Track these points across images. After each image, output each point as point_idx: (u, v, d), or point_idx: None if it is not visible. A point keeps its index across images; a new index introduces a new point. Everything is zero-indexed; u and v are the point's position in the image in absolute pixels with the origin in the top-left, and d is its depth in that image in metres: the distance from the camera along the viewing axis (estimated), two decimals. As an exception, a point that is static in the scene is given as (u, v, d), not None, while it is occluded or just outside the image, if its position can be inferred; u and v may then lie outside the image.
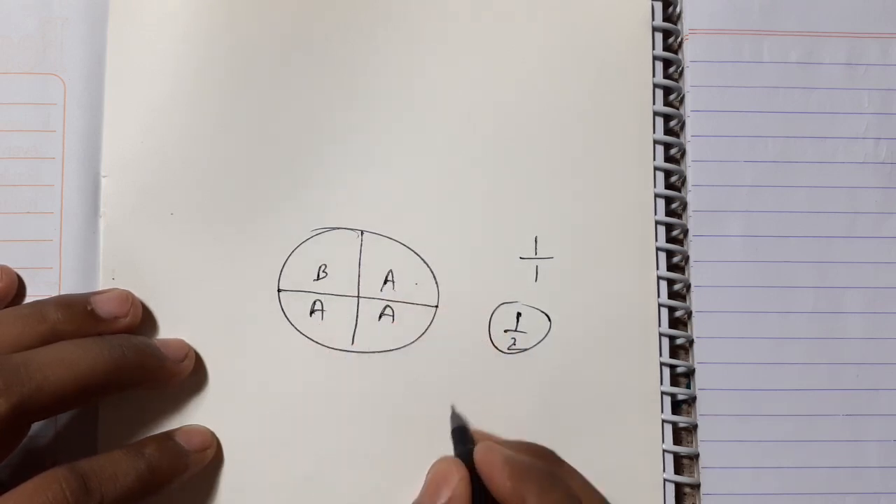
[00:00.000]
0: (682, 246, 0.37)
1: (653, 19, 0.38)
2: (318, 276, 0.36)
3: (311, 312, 0.36)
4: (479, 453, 0.31)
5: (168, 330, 0.36)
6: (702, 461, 0.36)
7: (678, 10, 0.39)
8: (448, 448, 0.34)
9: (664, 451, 0.36)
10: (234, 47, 0.37)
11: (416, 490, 0.33)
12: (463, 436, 0.33)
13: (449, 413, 0.35)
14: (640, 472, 0.35)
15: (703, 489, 0.36)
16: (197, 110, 0.37)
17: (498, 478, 0.29)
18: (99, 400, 0.35)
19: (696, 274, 0.37)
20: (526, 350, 0.36)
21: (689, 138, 0.38)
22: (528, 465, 0.30)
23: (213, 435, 0.35)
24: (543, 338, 0.36)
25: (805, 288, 0.37)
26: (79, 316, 0.33)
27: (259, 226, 0.36)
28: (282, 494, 0.35)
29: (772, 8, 0.38)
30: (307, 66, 0.37)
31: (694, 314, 0.37)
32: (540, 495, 0.29)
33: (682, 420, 0.36)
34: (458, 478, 0.30)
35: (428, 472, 0.33)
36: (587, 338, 0.36)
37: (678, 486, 0.36)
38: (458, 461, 0.31)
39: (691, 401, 0.36)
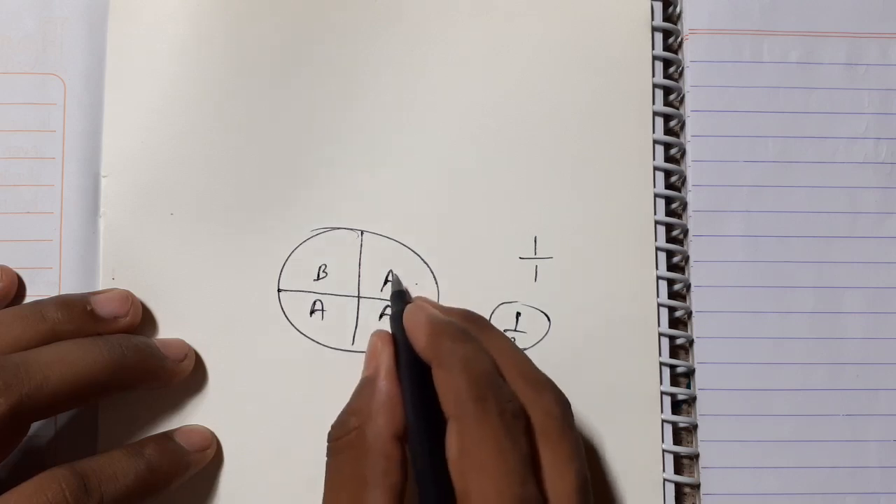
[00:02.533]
0: (682, 246, 0.37)
1: (653, 19, 0.38)
2: (318, 276, 0.36)
3: (311, 312, 0.36)
4: (406, 313, 0.32)
5: (168, 330, 0.36)
6: (702, 461, 0.36)
7: (678, 10, 0.39)
8: None
9: (664, 451, 0.36)
10: (234, 47, 0.37)
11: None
12: (400, 298, 0.34)
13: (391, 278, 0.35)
14: (640, 472, 0.35)
15: (703, 489, 0.36)
16: (197, 110, 0.37)
17: (418, 335, 0.31)
18: (99, 400, 0.35)
19: (696, 274, 0.37)
20: (526, 350, 0.36)
21: (689, 138, 0.38)
22: (445, 322, 0.31)
23: (213, 435, 0.35)
24: (543, 338, 0.36)
25: (805, 288, 0.37)
26: (79, 316, 0.33)
27: (259, 226, 0.36)
28: (282, 494, 0.35)
29: (772, 8, 0.38)
30: (307, 66, 0.37)
31: (694, 314, 0.37)
32: (451, 348, 0.29)
33: (682, 420, 0.36)
34: (384, 348, 0.31)
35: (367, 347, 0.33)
36: (587, 338, 0.36)
37: (678, 486, 0.36)
38: (385, 334, 0.32)
39: (691, 401, 0.36)
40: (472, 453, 0.27)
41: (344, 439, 0.30)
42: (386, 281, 0.36)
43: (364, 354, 0.33)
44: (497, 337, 0.32)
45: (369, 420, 0.29)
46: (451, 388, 0.29)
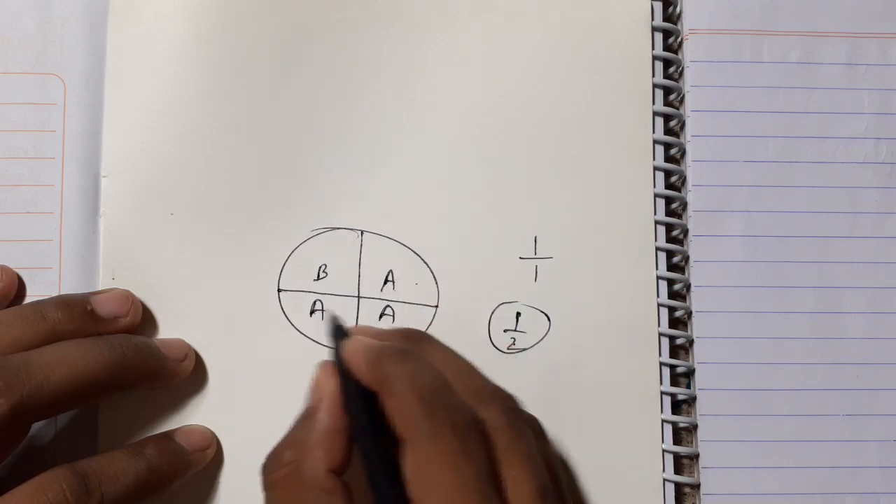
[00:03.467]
0: (682, 246, 0.37)
1: (653, 19, 0.38)
2: (318, 276, 0.36)
3: (311, 312, 0.36)
4: (344, 349, 0.31)
5: (168, 330, 0.36)
6: (702, 461, 0.36)
7: (678, 10, 0.39)
8: None
9: (664, 451, 0.36)
10: (234, 47, 0.37)
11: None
12: (339, 335, 0.33)
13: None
14: (640, 472, 0.35)
15: (703, 489, 0.36)
16: (197, 110, 0.37)
17: (358, 366, 0.30)
18: (99, 400, 0.35)
19: (696, 274, 0.37)
20: (525, 350, 0.36)
21: (689, 138, 0.38)
22: (382, 346, 0.30)
23: (213, 435, 0.35)
24: (543, 338, 0.36)
25: (805, 288, 0.37)
26: (79, 316, 0.33)
27: (259, 226, 0.36)
28: (282, 494, 0.35)
29: (772, 8, 0.38)
30: (307, 66, 0.37)
31: (694, 314, 0.37)
32: (392, 370, 0.29)
33: (682, 420, 0.36)
34: (328, 379, 0.30)
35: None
36: (587, 338, 0.36)
37: (678, 486, 0.36)
38: (328, 362, 0.31)
39: (691, 401, 0.36)
40: (428, 473, 0.27)
41: (280, 473, 0.29)
42: (386, 282, 0.36)
43: None
44: (440, 349, 0.32)
45: (306, 454, 0.28)
46: (400, 410, 0.28)
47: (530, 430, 0.30)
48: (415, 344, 0.31)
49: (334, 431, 0.29)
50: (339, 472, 0.28)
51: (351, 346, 0.30)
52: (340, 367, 0.31)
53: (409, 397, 0.28)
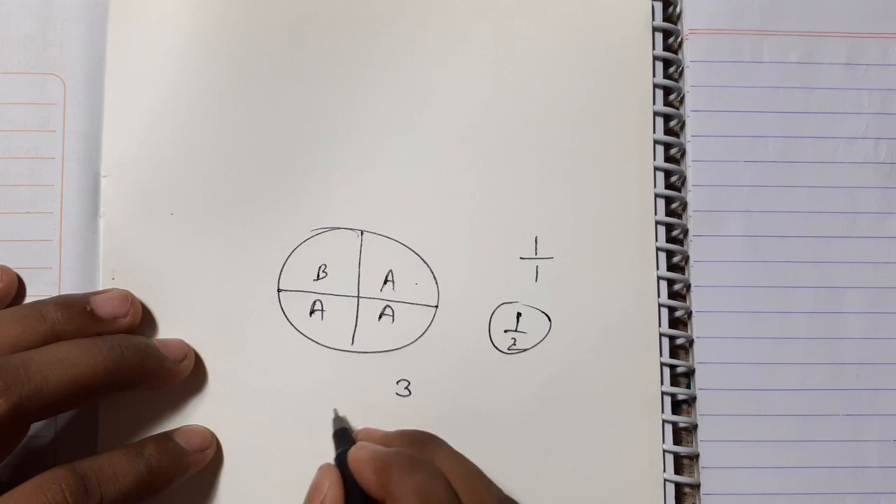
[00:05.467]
0: (682, 246, 0.37)
1: (653, 19, 0.38)
2: (318, 276, 0.36)
3: (311, 312, 0.36)
4: (350, 455, 0.31)
5: (168, 330, 0.36)
6: (702, 461, 0.36)
7: (678, 10, 0.39)
8: None
9: (664, 451, 0.36)
10: (234, 47, 0.37)
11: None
12: (343, 438, 0.33)
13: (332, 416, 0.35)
14: (640, 472, 0.35)
15: (703, 489, 0.36)
16: (197, 110, 0.37)
17: (364, 474, 0.30)
18: (99, 400, 0.35)
19: (696, 274, 0.37)
20: (526, 350, 0.36)
21: (689, 138, 0.38)
22: (390, 454, 0.30)
23: (212, 435, 0.35)
24: (543, 338, 0.36)
25: (805, 288, 0.37)
26: (78, 316, 0.33)
27: (259, 226, 0.36)
28: (282, 494, 0.35)
29: (772, 8, 0.38)
30: (307, 66, 0.37)
31: (694, 314, 0.37)
32: (401, 481, 0.29)
33: (682, 420, 0.36)
34: (328, 483, 0.31)
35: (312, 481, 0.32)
36: (587, 338, 0.36)
37: (678, 486, 0.36)
38: (331, 466, 0.32)
39: (691, 401, 0.36)
40: None
41: None
42: (385, 282, 0.36)
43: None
44: (448, 454, 0.32)
45: None
46: None
47: None
48: (422, 448, 0.31)
49: None
50: None
51: (356, 455, 0.30)
52: (343, 472, 0.31)
53: None
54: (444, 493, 0.29)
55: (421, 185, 0.37)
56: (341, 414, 0.35)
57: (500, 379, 0.36)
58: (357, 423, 0.35)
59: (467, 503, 0.29)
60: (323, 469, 0.32)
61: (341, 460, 0.32)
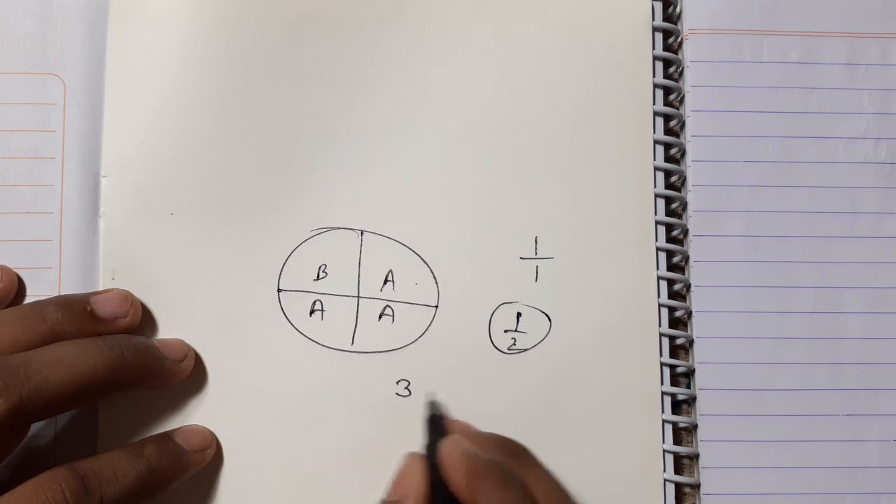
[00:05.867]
0: (682, 246, 0.37)
1: (653, 19, 0.38)
2: (318, 276, 0.36)
3: (311, 312, 0.36)
4: (442, 448, 0.30)
5: (168, 330, 0.36)
6: (702, 461, 0.36)
7: (678, 10, 0.39)
8: None
9: (664, 451, 0.36)
10: (234, 47, 0.37)
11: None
12: (436, 426, 0.32)
13: (426, 400, 0.33)
14: (640, 472, 0.35)
15: (703, 489, 0.36)
16: (197, 110, 0.37)
17: (454, 474, 0.29)
18: (99, 400, 0.35)
19: (696, 274, 0.37)
20: (526, 350, 0.36)
21: (689, 138, 0.38)
22: (484, 462, 0.29)
23: (212, 435, 0.35)
24: (543, 338, 0.36)
25: (805, 288, 0.37)
26: (78, 316, 0.33)
27: (259, 226, 0.36)
28: (282, 494, 0.35)
29: (772, 8, 0.38)
30: (307, 66, 0.37)
31: (694, 314, 0.37)
32: (492, 494, 0.28)
33: (682, 420, 0.36)
34: (417, 476, 0.30)
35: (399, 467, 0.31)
36: (587, 338, 0.36)
37: (678, 486, 0.36)
38: (419, 458, 0.31)
39: (691, 401, 0.36)
40: None
41: None
42: (386, 282, 0.36)
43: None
44: (537, 471, 0.31)
45: None
46: None
47: None
48: (516, 461, 0.31)
49: None
50: None
51: (449, 452, 0.29)
52: (431, 462, 0.30)
53: None
54: None
55: (421, 185, 0.37)
56: (437, 399, 0.33)
57: (500, 379, 0.36)
58: (357, 423, 0.35)
59: None
60: (410, 458, 0.31)
61: (431, 450, 0.30)
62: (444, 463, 0.29)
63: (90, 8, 0.37)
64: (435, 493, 0.29)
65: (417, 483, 0.29)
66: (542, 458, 0.35)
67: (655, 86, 0.38)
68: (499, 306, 0.36)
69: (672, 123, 0.38)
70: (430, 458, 0.30)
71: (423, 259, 0.36)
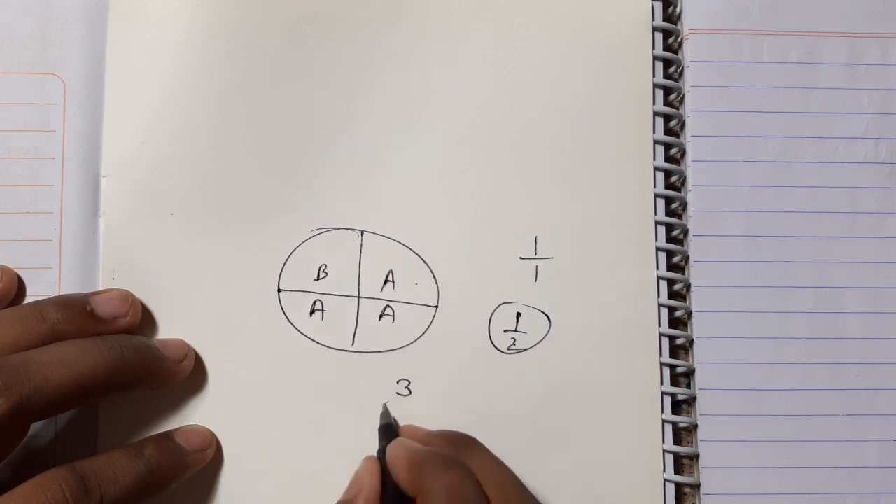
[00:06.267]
0: (682, 246, 0.37)
1: (653, 19, 0.38)
2: (318, 276, 0.36)
3: (311, 312, 0.36)
4: (388, 451, 0.32)
5: (168, 330, 0.36)
6: (702, 461, 0.36)
7: (678, 10, 0.39)
8: None
9: (664, 451, 0.36)
10: (234, 47, 0.37)
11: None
12: (387, 432, 0.34)
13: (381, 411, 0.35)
14: (640, 472, 0.35)
15: (703, 489, 0.36)
16: (197, 110, 0.37)
17: (399, 470, 0.31)
18: (99, 400, 0.35)
19: (696, 274, 0.37)
20: (526, 350, 0.36)
21: (689, 138, 0.38)
22: (424, 453, 0.31)
23: (212, 435, 0.35)
24: (543, 338, 0.36)
25: (805, 288, 0.37)
26: (78, 316, 0.33)
27: (259, 226, 0.36)
28: (282, 494, 0.35)
29: (772, 8, 0.38)
30: (307, 66, 0.37)
31: (694, 314, 0.37)
32: (433, 479, 0.29)
33: (682, 420, 0.36)
34: (367, 476, 0.32)
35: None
36: (587, 338, 0.36)
37: (678, 486, 0.36)
38: (373, 459, 0.33)
39: (691, 401, 0.36)
40: None
41: None
42: (386, 282, 0.36)
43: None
44: (484, 458, 0.32)
45: None
46: None
47: None
48: (461, 450, 0.32)
49: None
50: None
51: (394, 449, 0.31)
52: (383, 465, 0.32)
53: None
54: (473, 493, 0.30)
55: (421, 185, 0.37)
56: (388, 407, 0.35)
57: (499, 379, 0.36)
58: (356, 422, 0.35)
59: (495, 502, 0.30)
60: (365, 462, 0.33)
61: (382, 455, 0.33)
62: (390, 462, 0.31)
63: (90, 8, 0.37)
64: (385, 491, 0.31)
65: (370, 482, 0.31)
66: (542, 458, 0.35)
67: (655, 86, 0.38)
68: (498, 306, 0.36)
69: (672, 123, 0.38)
70: (382, 460, 0.32)
71: (423, 259, 0.36)
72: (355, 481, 0.32)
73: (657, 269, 0.37)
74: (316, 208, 0.37)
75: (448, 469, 0.30)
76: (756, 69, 0.38)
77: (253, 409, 0.35)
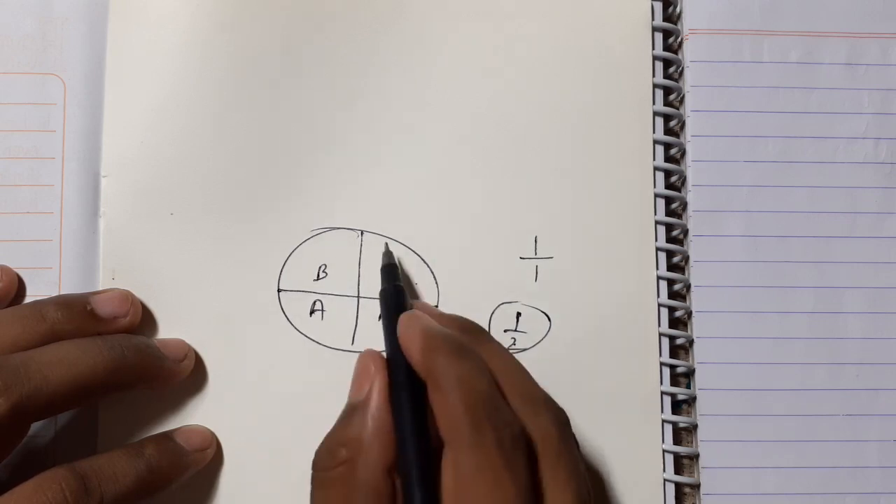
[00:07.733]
0: (682, 246, 0.37)
1: (653, 19, 0.38)
2: (318, 276, 0.36)
3: (311, 312, 0.36)
4: (400, 324, 0.30)
5: (168, 330, 0.36)
6: (702, 461, 0.36)
7: (678, 10, 0.39)
8: None
9: (664, 451, 0.36)
10: (234, 47, 0.37)
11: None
12: (389, 274, 0.33)
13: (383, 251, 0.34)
14: (640, 472, 0.35)
15: (703, 489, 0.36)
16: (197, 110, 0.37)
17: (411, 349, 0.29)
18: (99, 400, 0.35)
19: (696, 274, 0.37)
20: (526, 350, 0.36)
21: (689, 138, 0.38)
22: (440, 335, 0.29)
23: (212, 435, 0.35)
24: (543, 338, 0.36)
25: (805, 288, 0.37)
26: (78, 316, 0.33)
27: (259, 226, 0.36)
28: (282, 494, 0.35)
29: (772, 8, 0.38)
30: (307, 66, 0.37)
31: (694, 314, 0.37)
32: (447, 366, 0.28)
33: (682, 420, 0.36)
34: (372, 368, 0.30)
35: (355, 367, 0.31)
36: (587, 338, 0.36)
37: (678, 486, 0.36)
38: (373, 353, 0.31)
39: (691, 401, 0.36)
40: (467, 486, 0.26)
41: (333, 471, 0.28)
42: (386, 281, 0.36)
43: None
44: (495, 351, 0.31)
45: (360, 452, 0.28)
46: (446, 411, 0.27)
47: (576, 444, 0.29)
48: (473, 338, 0.30)
49: (389, 428, 0.28)
50: (392, 470, 0.28)
51: (407, 328, 0.29)
52: (390, 342, 0.30)
53: (457, 399, 0.27)
54: (487, 387, 0.28)
55: (421, 185, 0.37)
56: (391, 248, 0.34)
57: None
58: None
59: (509, 398, 0.28)
60: (368, 354, 0.31)
61: (385, 296, 0.31)
62: (401, 339, 0.29)
63: (90, 8, 0.37)
64: (392, 376, 0.29)
65: (378, 379, 0.29)
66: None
67: (655, 86, 0.38)
68: (498, 306, 0.36)
69: (672, 123, 0.38)
70: (385, 310, 0.30)
71: (423, 259, 0.36)
72: (362, 378, 0.30)
73: (657, 269, 0.37)
74: (316, 208, 0.37)
75: (462, 357, 0.28)
76: (756, 69, 0.38)
77: (253, 409, 0.35)
